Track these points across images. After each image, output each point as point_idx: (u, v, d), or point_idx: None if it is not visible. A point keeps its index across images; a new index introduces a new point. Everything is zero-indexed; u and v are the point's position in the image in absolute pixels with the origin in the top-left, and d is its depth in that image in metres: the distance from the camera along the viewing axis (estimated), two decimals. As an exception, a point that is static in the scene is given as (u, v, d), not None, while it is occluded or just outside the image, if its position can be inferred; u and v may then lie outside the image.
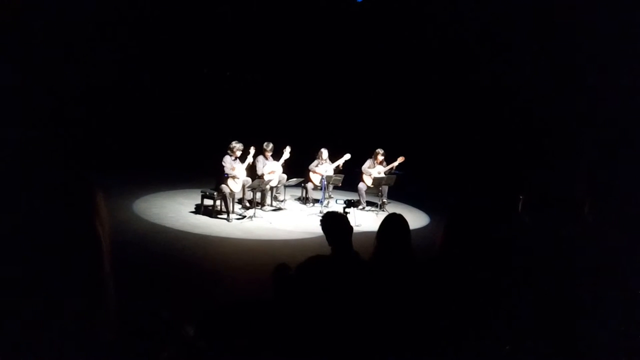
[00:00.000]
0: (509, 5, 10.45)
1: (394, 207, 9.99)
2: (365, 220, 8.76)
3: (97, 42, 11.05)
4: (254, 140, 8.99)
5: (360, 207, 9.83)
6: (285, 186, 9.96)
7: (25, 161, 0.91)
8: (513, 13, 10.45)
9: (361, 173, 10.07)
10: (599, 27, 8.18)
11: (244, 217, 8.68)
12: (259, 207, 9.19)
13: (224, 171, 8.34)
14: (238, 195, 8.88)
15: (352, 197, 9.05)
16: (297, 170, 9.94)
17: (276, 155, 9.42)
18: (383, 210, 9.65)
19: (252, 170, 9.01)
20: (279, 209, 9.72)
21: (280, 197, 10.10)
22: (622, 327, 2.09)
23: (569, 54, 9.37)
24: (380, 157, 9.98)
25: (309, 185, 10.06)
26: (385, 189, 9.90)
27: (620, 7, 7.73)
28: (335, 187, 10.57)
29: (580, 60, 8.89)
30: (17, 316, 0.82)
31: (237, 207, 9.00)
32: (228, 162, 8.37)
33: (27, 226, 0.85)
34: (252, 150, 8.77)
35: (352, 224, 3.24)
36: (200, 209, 8.68)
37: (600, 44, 8.27)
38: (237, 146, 8.46)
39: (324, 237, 3.14)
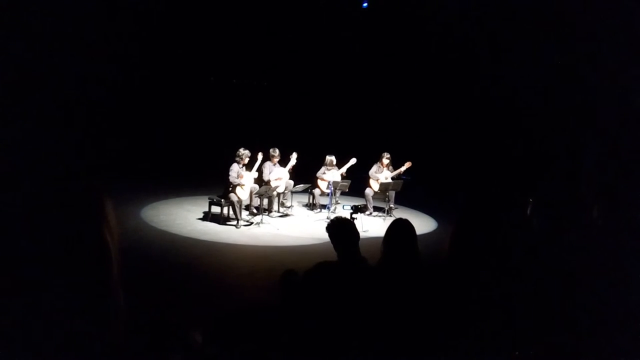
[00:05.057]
0: (511, 7, 10.45)
1: (401, 213, 9.96)
2: (373, 226, 8.74)
3: (108, 49, 11.15)
4: (260, 147, 9.02)
5: (368, 212, 9.82)
6: (292, 192, 9.97)
7: (35, 168, 0.93)
8: (514, 15, 10.44)
9: (368, 178, 10.06)
10: (599, 27, 8.16)
11: (251, 223, 8.69)
12: (266, 214, 9.21)
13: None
14: (245, 202, 8.90)
15: (359, 202, 9.04)
16: (304, 176, 9.95)
17: (283, 162, 9.44)
18: (390, 216, 9.63)
19: (258, 177, 9.03)
20: (286, 215, 9.73)
21: (287, 203, 10.11)
22: (623, 328, 2.07)
23: (570, 55, 9.34)
24: (386, 161, 9.96)
25: (316, 191, 10.07)
26: (392, 194, 9.88)
27: (621, 7, 7.71)
28: (343, 193, 10.57)
29: (583, 61, 8.86)
30: (28, 321, 0.83)
31: (245, 213, 9.02)
32: (235, 170, 8.39)
33: (37, 232, 0.87)
34: (259, 157, 8.81)
35: (359, 229, 3.24)
36: (207, 216, 8.70)
37: (600, 44, 8.25)
38: (245, 153, 8.49)
39: (331, 243, 3.14)
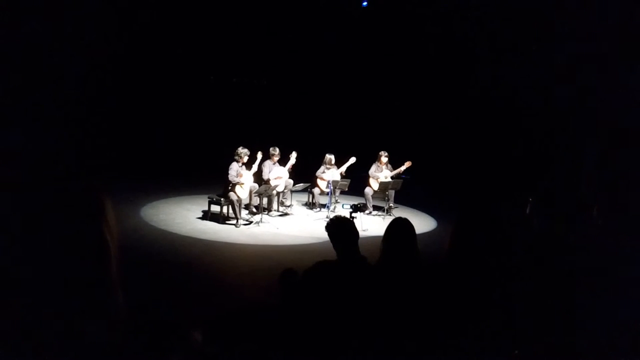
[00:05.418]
0: (511, 7, 10.45)
1: (401, 212, 9.96)
2: (372, 225, 8.74)
3: (108, 49, 11.15)
4: (260, 146, 9.02)
5: (367, 211, 9.81)
6: (292, 191, 9.96)
7: (35, 167, 0.92)
8: (514, 14, 10.44)
9: (367, 177, 10.06)
10: (599, 26, 8.16)
11: (251, 222, 8.69)
12: (266, 213, 9.20)
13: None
14: (245, 201, 8.90)
15: (359, 201, 9.03)
16: (303, 175, 9.95)
17: (282, 161, 9.43)
18: (390, 215, 9.63)
19: (258, 176, 9.03)
20: (286, 214, 9.73)
21: (287, 203, 10.11)
22: (623, 328, 2.08)
23: (570, 55, 9.34)
24: (384, 159, 9.96)
25: (316, 190, 10.06)
26: (392, 193, 9.88)
27: (620, 7, 7.71)
28: (342, 192, 10.57)
29: (583, 61, 8.86)
30: (27, 321, 0.83)
31: (244, 212, 9.02)
32: (234, 169, 8.39)
33: (37, 232, 0.86)
34: (259, 156, 8.80)
35: (358, 228, 3.23)
36: (207, 215, 8.70)
37: (600, 44, 8.25)
38: (244, 152, 8.48)
39: (331, 242, 3.13)
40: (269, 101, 15.59)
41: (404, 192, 10.16)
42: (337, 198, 10.52)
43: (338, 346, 2.54)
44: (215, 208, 8.65)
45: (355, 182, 10.05)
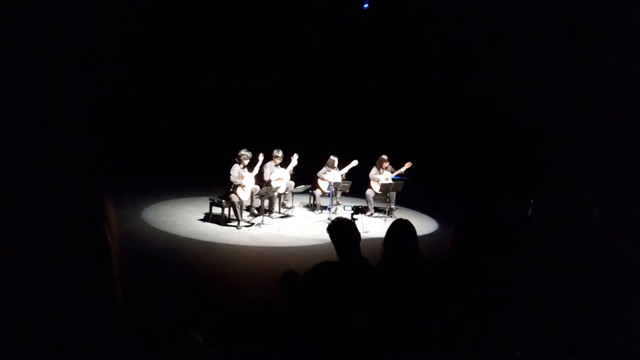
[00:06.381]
0: (511, 9, 10.46)
1: (402, 213, 9.96)
2: (374, 227, 8.74)
3: (108, 49, 11.17)
4: (262, 148, 9.03)
5: (368, 213, 9.82)
6: (293, 193, 9.97)
7: (35, 167, 0.93)
8: (515, 16, 10.45)
9: (369, 179, 10.07)
10: (598, 27, 8.16)
11: (252, 224, 8.69)
12: (267, 214, 9.21)
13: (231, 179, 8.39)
14: (246, 203, 8.90)
15: (360, 203, 9.04)
16: (305, 177, 9.95)
17: (283, 163, 9.44)
18: (391, 217, 9.63)
19: (260, 177, 9.03)
20: (287, 215, 9.73)
21: (288, 204, 10.11)
22: (623, 328, 2.08)
23: (570, 55, 9.34)
24: (385, 163, 9.97)
25: (317, 192, 10.07)
26: (393, 195, 9.89)
27: (620, 7, 7.72)
28: (343, 194, 10.57)
29: (584, 61, 8.86)
30: (27, 321, 0.84)
31: (245, 214, 9.02)
32: (236, 170, 8.40)
33: (36, 232, 0.87)
34: (260, 157, 8.81)
35: (360, 230, 3.24)
36: (208, 217, 8.70)
37: (601, 44, 8.25)
38: (246, 154, 8.49)
39: (332, 244, 3.13)
40: (271, 103, 15.60)
41: (405, 193, 10.16)
42: (338, 200, 10.52)
43: (339, 348, 2.54)
44: (216, 210, 8.65)
45: (357, 184, 10.05)
